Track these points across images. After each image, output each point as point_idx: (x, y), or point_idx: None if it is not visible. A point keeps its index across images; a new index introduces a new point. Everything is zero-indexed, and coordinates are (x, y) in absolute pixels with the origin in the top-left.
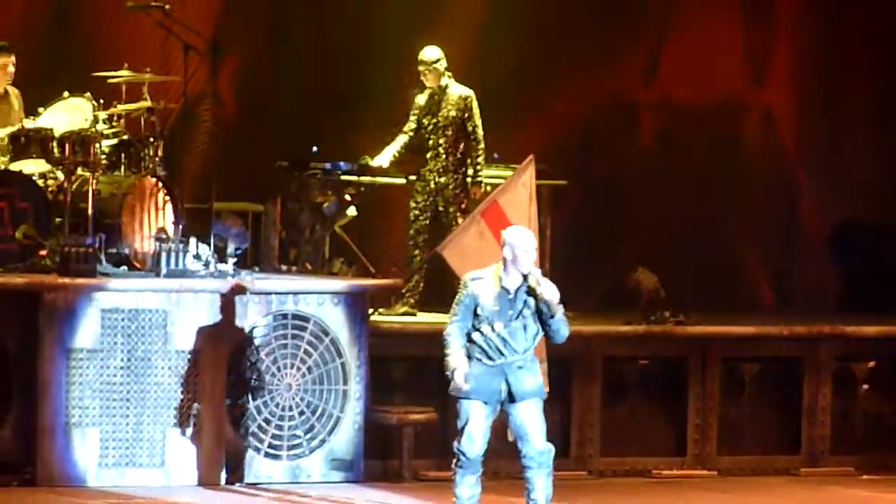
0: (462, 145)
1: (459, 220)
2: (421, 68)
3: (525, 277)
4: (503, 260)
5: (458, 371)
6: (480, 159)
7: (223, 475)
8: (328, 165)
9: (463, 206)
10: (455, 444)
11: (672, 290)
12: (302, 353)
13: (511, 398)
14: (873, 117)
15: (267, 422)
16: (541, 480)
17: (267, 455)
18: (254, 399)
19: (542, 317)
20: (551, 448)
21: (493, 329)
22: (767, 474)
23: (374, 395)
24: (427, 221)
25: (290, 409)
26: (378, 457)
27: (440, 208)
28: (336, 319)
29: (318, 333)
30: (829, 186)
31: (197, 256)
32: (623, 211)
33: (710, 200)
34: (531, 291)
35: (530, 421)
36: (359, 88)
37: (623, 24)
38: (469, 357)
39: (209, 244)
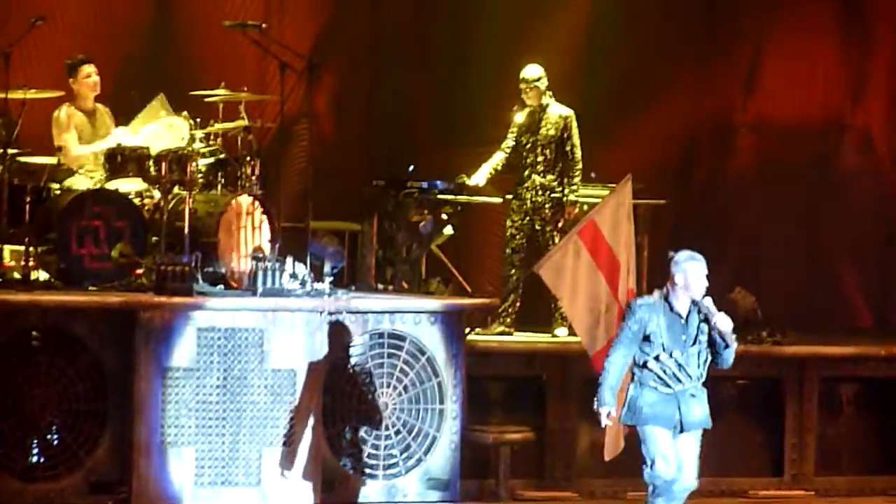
0: (560, 164)
1: (556, 240)
2: (522, 86)
3: (695, 304)
4: (671, 283)
5: (603, 410)
6: (577, 179)
7: (319, 495)
8: (425, 184)
9: (560, 225)
10: (646, 471)
11: (769, 310)
12: (398, 371)
13: (681, 427)
14: None
15: (363, 441)
16: None
17: (363, 474)
18: (350, 418)
19: (715, 346)
20: (696, 486)
21: (670, 355)
22: (865, 495)
23: (471, 414)
24: (523, 241)
25: (387, 428)
26: (474, 476)
27: (536, 227)
28: (432, 338)
29: (414, 352)
30: None
31: (293, 275)
32: (720, 231)
33: (808, 220)
34: (705, 319)
35: (689, 454)
36: (457, 107)
37: (719, 43)
38: (642, 384)
39: (305, 263)
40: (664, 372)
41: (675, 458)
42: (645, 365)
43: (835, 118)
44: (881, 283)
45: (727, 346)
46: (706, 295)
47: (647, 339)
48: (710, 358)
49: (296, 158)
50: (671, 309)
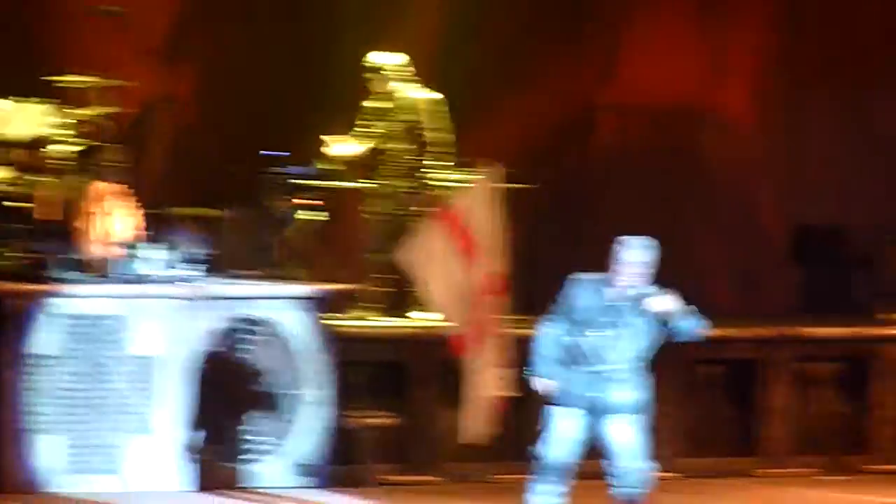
0: (418, 150)
1: (416, 225)
2: (372, 74)
3: (633, 289)
4: (610, 266)
5: (537, 381)
6: (436, 164)
7: (183, 481)
8: (286, 170)
9: (420, 210)
10: (537, 446)
11: None
12: (260, 357)
13: (604, 410)
14: (835, 120)
15: (227, 427)
16: (624, 500)
17: (228, 460)
18: (213, 405)
19: (670, 329)
20: (643, 468)
21: (592, 336)
22: (727, 476)
23: (335, 400)
24: (384, 225)
25: (250, 414)
26: (340, 462)
27: (398, 212)
28: (294, 324)
29: (276, 338)
30: (790, 189)
31: (155, 262)
32: (589, 214)
33: (670, 204)
34: (643, 304)
35: (621, 437)
36: (318, 94)
37: (584, 25)
38: (563, 363)
39: (167, 249)
40: (583, 352)
41: (572, 443)
42: (566, 343)
43: (696, 100)
44: (744, 264)
45: (676, 325)
46: (657, 285)
47: (572, 317)
48: (641, 345)
49: (157, 144)
50: (604, 291)
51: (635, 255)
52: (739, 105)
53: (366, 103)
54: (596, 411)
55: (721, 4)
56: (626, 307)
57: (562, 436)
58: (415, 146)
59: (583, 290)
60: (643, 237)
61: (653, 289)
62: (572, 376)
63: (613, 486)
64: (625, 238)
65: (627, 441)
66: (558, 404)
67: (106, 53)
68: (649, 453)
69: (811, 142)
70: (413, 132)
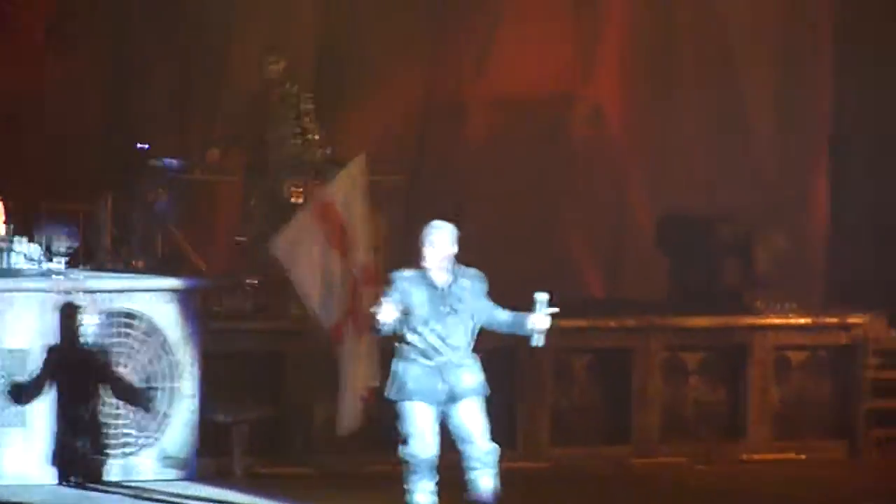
0: (288, 141)
1: (291, 217)
2: (255, 70)
3: (459, 273)
4: (421, 255)
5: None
6: (306, 156)
7: (55, 474)
8: (160, 163)
9: (292, 201)
10: (402, 448)
11: (505, 282)
12: (132, 350)
13: (452, 398)
14: (703, 111)
15: (99, 420)
16: (487, 480)
17: (99, 453)
18: (85, 397)
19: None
20: (496, 447)
21: (431, 328)
22: (599, 465)
23: (207, 392)
24: (258, 218)
25: (122, 406)
26: (211, 454)
27: (273, 204)
28: (167, 317)
29: (148, 331)
30: (659, 179)
31: (26, 256)
32: (453, 206)
33: (541, 192)
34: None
35: (472, 421)
36: (194, 89)
37: (454, 16)
38: (404, 358)
39: (39, 243)
40: (425, 345)
41: (434, 435)
42: (405, 339)
43: (566, 91)
44: (613, 253)
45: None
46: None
47: (407, 312)
48: (477, 326)
49: (29, 138)
50: (429, 281)
51: (434, 235)
52: (609, 96)
53: (245, 97)
54: (448, 400)
55: None
56: (455, 292)
57: (422, 430)
58: (286, 138)
59: (412, 285)
60: (444, 221)
61: (472, 271)
62: (422, 370)
63: (470, 470)
64: (431, 223)
65: (479, 423)
66: (412, 400)
67: None
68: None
69: (680, 133)
70: (283, 123)
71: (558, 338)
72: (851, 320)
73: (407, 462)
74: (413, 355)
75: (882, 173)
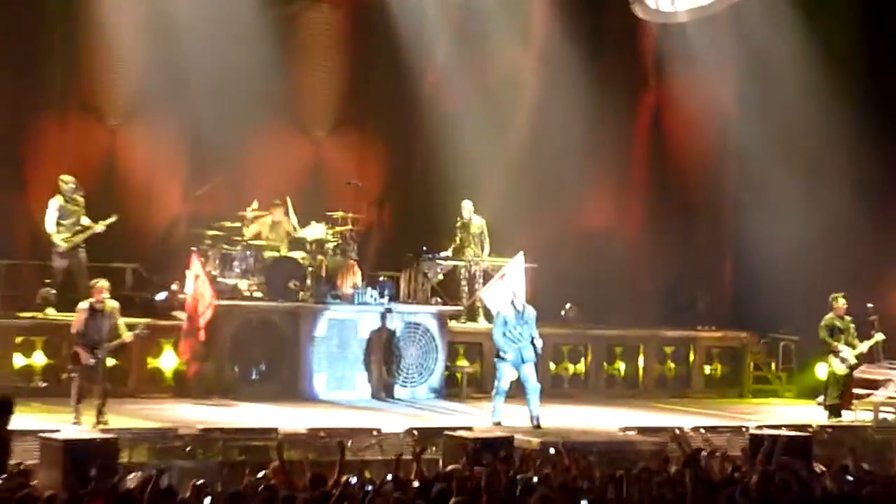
0: None
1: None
2: None
3: (519, 303)
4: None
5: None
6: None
7: (383, 395)
8: (430, 256)
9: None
10: (496, 382)
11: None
12: (417, 338)
13: (522, 360)
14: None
15: (403, 369)
16: (535, 398)
17: (401, 385)
18: (396, 359)
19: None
20: (540, 386)
21: (514, 328)
22: None
23: (447, 359)
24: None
25: (412, 363)
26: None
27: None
28: (433, 324)
29: (424, 330)
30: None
31: (371, 295)
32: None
33: None
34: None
35: (530, 372)
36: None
37: None
38: (505, 340)
39: (376, 290)
40: (513, 336)
41: (508, 378)
42: (505, 334)
43: None
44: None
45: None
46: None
47: (506, 322)
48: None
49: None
50: (514, 306)
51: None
52: None
53: None
54: (521, 362)
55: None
56: (522, 314)
57: (503, 376)
58: None
59: (507, 310)
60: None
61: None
62: (510, 347)
63: (530, 391)
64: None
65: (533, 372)
66: (504, 361)
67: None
68: None
69: None
70: None
71: None
72: None
73: (496, 388)
74: (509, 341)
75: None
